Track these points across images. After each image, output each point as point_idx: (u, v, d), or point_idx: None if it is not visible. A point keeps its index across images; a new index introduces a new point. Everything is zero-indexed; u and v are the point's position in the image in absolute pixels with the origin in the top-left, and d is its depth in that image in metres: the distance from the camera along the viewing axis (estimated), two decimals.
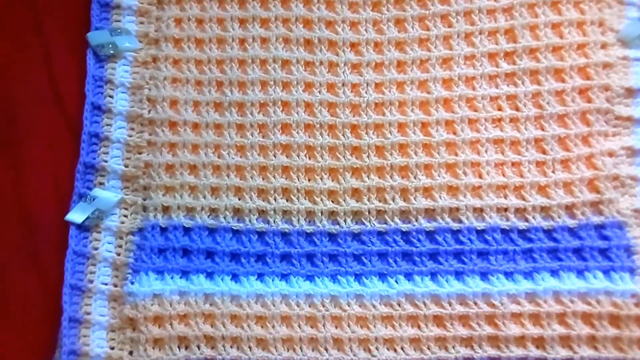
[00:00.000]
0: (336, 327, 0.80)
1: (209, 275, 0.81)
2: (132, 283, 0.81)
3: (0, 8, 0.90)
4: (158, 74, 0.86)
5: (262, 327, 0.80)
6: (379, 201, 0.83)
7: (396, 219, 0.82)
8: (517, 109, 0.84)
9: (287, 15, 0.87)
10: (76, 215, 0.83)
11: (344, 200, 0.83)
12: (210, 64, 0.86)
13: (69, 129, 0.87)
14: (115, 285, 0.83)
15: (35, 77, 0.89)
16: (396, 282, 0.81)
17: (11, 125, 0.87)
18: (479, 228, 0.81)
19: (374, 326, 0.80)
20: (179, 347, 0.80)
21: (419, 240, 0.81)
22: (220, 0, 0.88)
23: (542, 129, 0.83)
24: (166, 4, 0.88)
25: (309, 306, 0.80)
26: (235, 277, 0.81)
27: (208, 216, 0.83)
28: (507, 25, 0.86)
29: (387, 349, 0.80)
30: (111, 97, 0.87)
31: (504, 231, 0.82)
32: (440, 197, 0.82)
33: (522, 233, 0.82)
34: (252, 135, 0.84)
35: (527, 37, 0.85)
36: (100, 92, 0.87)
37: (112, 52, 0.87)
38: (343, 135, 0.84)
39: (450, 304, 0.79)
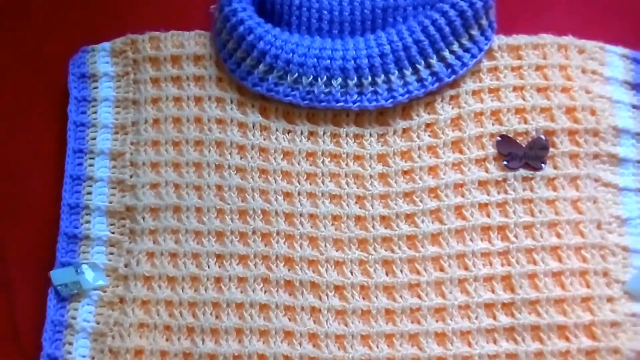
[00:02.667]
0: None
1: None
2: None
3: None
4: (124, 319, 0.52)
5: None
6: None
7: None
8: None
9: (267, 252, 0.53)
10: None
11: None
12: (181, 307, 0.53)
13: None
14: None
15: None
16: None
17: None
18: None
19: None
20: None
21: None
22: (196, 233, 0.54)
23: None
24: (139, 235, 0.54)
25: None
26: None
27: None
28: (504, 272, 0.52)
29: None
30: (70, 344, 0.52)
31: None
32: None
33: None
34: None
35: (526, 288, 0.52)
36: (59, 338, 0.53)
37: (76, 291, 0.52)
38: None
39: None
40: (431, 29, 0.56)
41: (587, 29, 0.61)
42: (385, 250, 0.54)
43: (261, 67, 0.57)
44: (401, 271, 0.53)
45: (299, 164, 0.57)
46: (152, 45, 0.60)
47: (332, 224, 0.55)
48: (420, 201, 0.55)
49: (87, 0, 0.64)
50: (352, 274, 0.54)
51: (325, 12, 0.59)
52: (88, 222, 0.56)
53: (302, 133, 0.58)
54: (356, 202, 0.56)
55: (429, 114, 0.58)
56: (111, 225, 0.56)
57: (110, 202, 0.57)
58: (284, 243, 0.54)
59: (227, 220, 0.55)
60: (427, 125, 0.57)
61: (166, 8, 0.63)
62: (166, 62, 0.60)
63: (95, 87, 0.60)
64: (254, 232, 0.55)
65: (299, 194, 0.56)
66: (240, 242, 0.55)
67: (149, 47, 0.60)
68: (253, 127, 0.58)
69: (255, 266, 0.54)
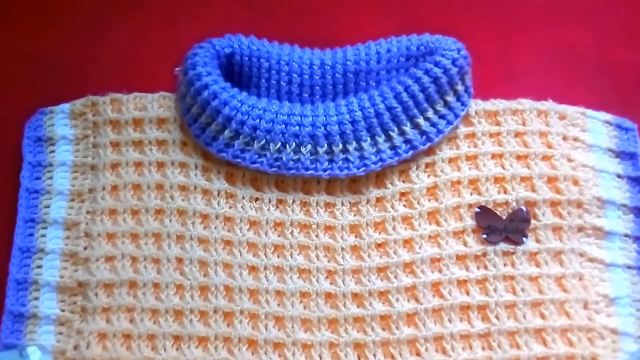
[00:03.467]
0: None
1: None
2: None
3: None
4: None
5: None
6: None
7: None
8: None
9: (229, 334, 0.48)
10: None
11: None
12: None
13: None
14: None
15: None
16: None
17: None
18: None
19: None
20: None
21: None
22: (153, 312, 0.49)
23: None
24: (90, 314, 0.48)
25: None
26: None
27: None
28: (485, 356, 0.48)
29: None
30: None
31: None
32: None
33: None
34: None
35: None
36: None
37: None
38: None
39: None
40: (404, 95, 0.51)
41: (567, 93, 0.56)
42: (358, 332, 0.48)
43: (227, 133, 0.51)
44: (374, 355, 0.47)
45: (266, 235, 0.51)
46: (113, 108, 0.55)
47: (301, 302, 0.49)
48: (395, 277, 0.49)
49: (46, 59, 0.58)
50: (320, 358, 0.47)
51: (296, 75, 0.54)
52: (36, 298, 0.49)
53: (270, 201, 0.52)
54: (327, 278, 0.50)
55: (403, 182, 0.52)
56: (61, 302, 0.50)
57: (62, 277, 0.50)
58: (248, 323, 0.48)
59: (186, 298, 0.49)
60: (402, 194, 0.52)
61: (129, 68, 0.58)
62: (127, 125, 0.54)
63: (52, 151, 0.54)
64: (215, 311, 0.48)
65: (265, 268, 0.50)
66: (201, 322, 0.48)
67: (110, 110, 0.55)
68: (218, 194, 0.52)
69: (215, 349, 0.47)
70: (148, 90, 0.55)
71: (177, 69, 0.55)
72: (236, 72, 0.55)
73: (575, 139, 0.53)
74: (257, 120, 0.51)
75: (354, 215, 0.51)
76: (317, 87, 0.54)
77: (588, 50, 0.60)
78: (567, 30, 0.61)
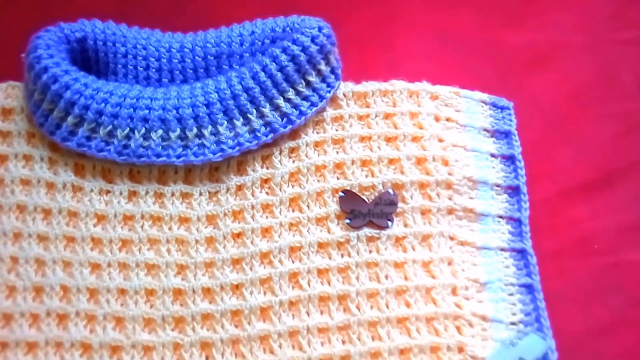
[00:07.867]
0: None
1: None
2: None
3: None
4: None
5: None
6: None
7: None
8: None
9: (61, 338, 0.43)
10: None
11: None
12: None
13: None
14: None
15: None
16: None
17: None
18: None
19: None
20: None
21: None
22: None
23: None
24: None
25: None
26: None
27: None
28: (343, 351, 0.42)
29: None
30: None
31: None
32: None
33: None
34: None
35: None
36: None
37: None
38: None
39: None
40: (262, 75, 0.46)
41: (448, 78, 0.52)
42: (206, 330, 0.42)
43: (70, 119, 0.46)
44: (222, 355, 0.41)
45: (113, 230, 0.45)
46: None
47: (146, 301, 0.43)
48: (250, 269, 0.44)
49: None
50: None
51: (153, 59, 0.49)
52: None
53: (121, 194, 0.46)
54: (177, 273, 0.44)
55: (266, 168, 0.47)
56: None
57: None
58: (84, 326, 0.42)
59: (18, 300, 0.42)
60: (264, 181, 0.47)
61: None
62: None
63: None
64: (48, 314, 0.42)
65: (108, 265, 0.44)
66: (33, 328, 0.42)
67: None
68: (63, 187, 0.46)
69: (45, 356, 0.41)
70: None
71: (23, 54, 0.50)
72: (92, 58, 0.50)
73: (448, 119, 0.49)
74: (102, 105, 0.46)
75: (213, 206, 0.46)
76: (177, 72, 0.49)
77: (469, 33, 0.56)
78: (448, 14, 0.57)
